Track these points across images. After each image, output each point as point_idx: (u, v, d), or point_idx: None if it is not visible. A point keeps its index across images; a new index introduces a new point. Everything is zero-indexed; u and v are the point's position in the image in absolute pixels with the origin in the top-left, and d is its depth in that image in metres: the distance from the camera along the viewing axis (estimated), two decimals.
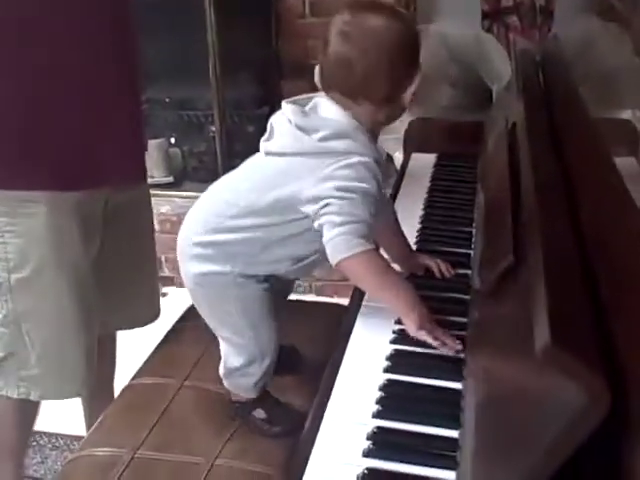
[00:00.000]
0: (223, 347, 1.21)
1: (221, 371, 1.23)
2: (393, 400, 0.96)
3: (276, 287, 1.17)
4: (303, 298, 2.57)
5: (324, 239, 1.03)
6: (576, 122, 1.13)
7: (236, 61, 2.69)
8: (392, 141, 2.42)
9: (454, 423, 0.91)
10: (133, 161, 1.54)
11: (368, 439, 0.90)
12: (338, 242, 1.02)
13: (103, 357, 1.64)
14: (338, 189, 1.01)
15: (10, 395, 1.50)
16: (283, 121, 1.08)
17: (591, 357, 0.57)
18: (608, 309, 0.65)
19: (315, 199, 1.03)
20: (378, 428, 0.91)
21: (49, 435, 2.06)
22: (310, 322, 1.47)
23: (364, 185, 1.02)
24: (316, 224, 1.04)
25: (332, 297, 2.68)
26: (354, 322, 1.13)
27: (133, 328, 1.69)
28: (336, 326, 1.17)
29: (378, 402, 0.95)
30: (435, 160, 1.74)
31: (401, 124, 1.97)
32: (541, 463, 0.60)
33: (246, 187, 1.10)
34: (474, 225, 1.37)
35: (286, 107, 1.08)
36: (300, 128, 1.05)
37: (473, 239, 1.32)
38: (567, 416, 0.57)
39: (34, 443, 2.05)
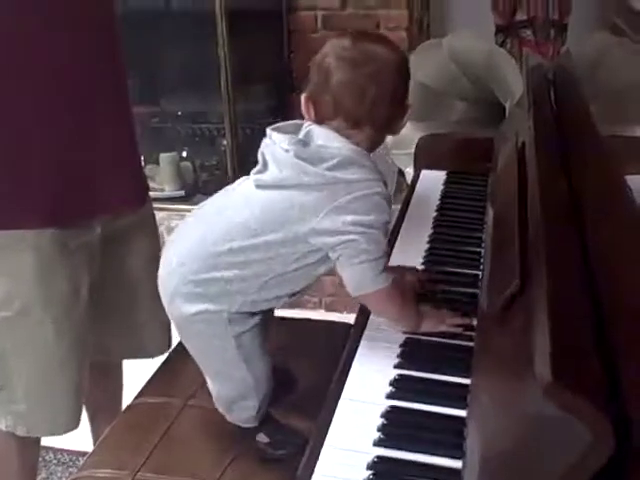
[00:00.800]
0: (214, 385, 1.19)
1: (219, 409, 1.21)
2: (395, 428, 0.93)
3: (268, 316, 1.16)
4: (313, 314, 2.57)
5: (345, 272, 1.04)
6: (586, 140, 1.11)
7: (248, 74, 2.69)
8: (403, 157, 2.40)
9: (459, 452, 0.88)
10: (126, 188, 1.46)
11: (368, 469, 0.87)
12: (362, 279, 1.04)
13: (109, 382, 1.63)
14: (358, 224, 1.00)
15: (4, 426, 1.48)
16: (277, 151, 1.03)
17: (595, 393, 0.55)
18: (616, 341, 0.63)
19: (330, 232, 1.01)
20: (379, 457, 0.88)
21: (55, 451, 2.05)
22: (314, 342, 1.45)
23: (383, 217, 1.02)
24: (333, 255, 1.03)
25: (342, 313, 2.66)
26: (357, 345, 1.10)
27: (139, 358, 1.64)
28: (341, 347, 1.15)
29: (380, 430, 0.93)
30: (445, 177, 1.71)
31: (414, 139, 1.96)
32: None
33: (243, 221, 1.04)
34: (483, 245, 1.34)
35: (277, 136, 1.04)
36: (302, 159, 1.01)
37: (482, 260, 1.29)
38: (570, 455, 0.54)
39: (40, 459, 2.04)
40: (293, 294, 1.11)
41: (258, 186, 1.05)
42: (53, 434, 1.53)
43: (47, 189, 1.33)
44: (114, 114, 1.41)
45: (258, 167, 1.06)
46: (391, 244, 1.40)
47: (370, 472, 0.87)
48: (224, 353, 1.12)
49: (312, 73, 1.06)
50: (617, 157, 0.99)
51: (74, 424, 1.48)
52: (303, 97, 1.07)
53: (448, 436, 0.91)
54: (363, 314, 1.18)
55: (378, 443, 0.91)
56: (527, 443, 0.63)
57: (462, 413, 0.94)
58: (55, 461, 2.04)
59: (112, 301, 1.54)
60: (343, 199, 1.00)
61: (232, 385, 1.16)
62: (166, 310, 1.14)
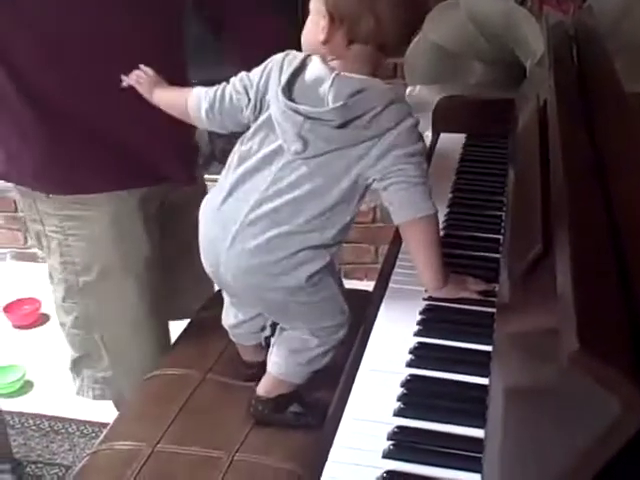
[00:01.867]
0: (301, 340, 1.16)
1: (290, 363, 1.18)
2: (416, 397, 0.91)
3: None
4: None
5: (395, 199, 1.05)
6: (611, 98, 1.07)
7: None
8: (423, 119, 2.36)
9: (480, 421, 0.86)
10: (184, 161, 1.49)
11: (389, 439, 0.85)
12: (413, 203, 1.05)
13: None
14: (408, 155, 1.04)
15: (86, 397, 1.52)
16: (320, 129, 1.03)
17: (624, 362, 0.52)
18: None
19: (382, 168, 1.04)
20: (399, 427, 0.87)
21: (77, 422, 2.07)
22: None
23: (422, 144, 1.07)
24: (381, 184, 1.06)
25: (362, 280, 2.64)
26: (377, 313, 1.08)
27: (185, 319, 1.64)
28: (360, 314, 1.13)
29: (400, 399, 0.91)
30: (464, 140, 1.67)
31: (432, 102, 1.92)
32: (573, 472, 0.56)
33: (299, 197, 1.05)
34: (504, 209, 1.31)
35: (313, 110, 1.03)
36: (345, 124, 1.02)
37: (503, 224, 1.26)
38: (597, 426, 0.52)
39: (62, 430, 2.06)
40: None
41: (303, 160, 1.05)
42: None
43: (116, 154, 1.36)
44: None
45: (296, 147, 1.04)
46: None
47: (390, 442, 0.85)
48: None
49: None
50: None
51: None
52: (324, 13, 1.05)
53: (469, 404, 0.90)
54: (383, 281, 1.16)
55: (398, 413, 0.89)
56: (553, 414, 0.60)
57: (483, 381, 0.92)
58: (78, 433, 2.06)
59: (164, 272, 1.55)
60: (388, 140, 1.03)
61: (330, 330, 1.15)
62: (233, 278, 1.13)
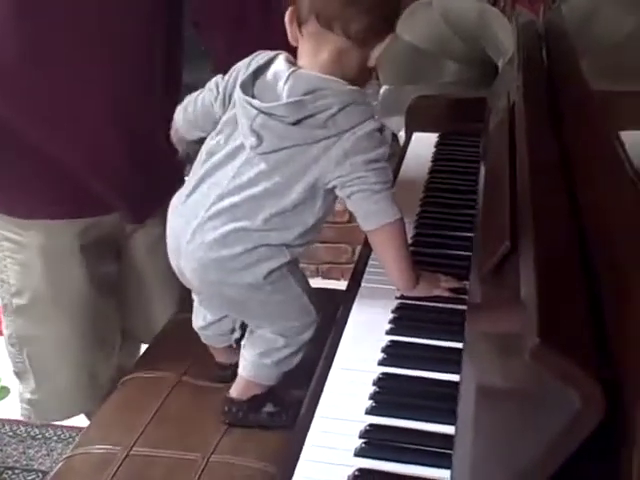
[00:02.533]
0: (268, 340, 1.16)
1: (259, 365, 1.18)
2: (388, 395, 0.92)
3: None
4: (309, 281, 2.55)
5: (359, 207, 1.05)
6: (577, 96, 1.08)
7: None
8: (396, 120, 2.37)
9: (452, 418, 0.87)
10: (134, 198, 1.39)
11: (360, 437, 0.86)
12: (377, 210, 1.05)
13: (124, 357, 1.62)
14: (367, 162, 1.02)
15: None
16: (272, 124, 1.02)
17: (584, 356, 0.53)
18: (606, 303, 0.61)
19: (342, 175, 1.03)
20: (371, 425, 0.87)
21: (54, 427, 2.05)
22: None
23: (385, 149, 1.05)
24: (344, 193, 1.05)
25: (339, 280, 2.65)
26: (349, 312, 1.09)
27: (142, 342, 1.64)
28: (334, 313, 1.14)
29: (372, 397, 0.91)
30: (437, 139, 1.68)
31: (406, 102, 1.92)
32: (538, 465, 0.56)
33: (258, 194, 1.05)
34: (476, 208, 1.32)
35: (262, 105, 1.02)
36: (300, 121, 1.01)
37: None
38: (559, 419, 0.53)
39: (39, 436, 2.04)
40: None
41: (261, 156, 1.04)
42: (66, 418, 1.56)
43: (58, 183, 1.31)
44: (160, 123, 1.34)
45: (253, 142, 1.03)
46: None
47: (362, 440, 0.86)
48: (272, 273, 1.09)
49: None
50: (608, 112, 0.96)
51: (88, 407, 1.50)
52: (290, 7, 1.05)
53: (441, 402, 0.90)
54: (355, 280, 1.17)
55: (370, 411, 0.90)
56: (519, 409, 0.61)
57: (455, 378, 0.93)
58: (55, 438, 2.04)
59: (133, 288, 1.53)
60: (346, 144, 1.01)
61: (298, 329, 1.15)
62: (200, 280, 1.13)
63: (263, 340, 1.17)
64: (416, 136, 1.71)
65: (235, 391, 1.20)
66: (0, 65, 1.21)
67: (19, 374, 1.49)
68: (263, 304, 1.13)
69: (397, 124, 2.35)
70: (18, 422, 2.12)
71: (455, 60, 2.29)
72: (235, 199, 1.05)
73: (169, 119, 1.24)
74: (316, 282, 2.62)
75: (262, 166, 1.04)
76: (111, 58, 1.25)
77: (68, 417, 1.53)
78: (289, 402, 1.20)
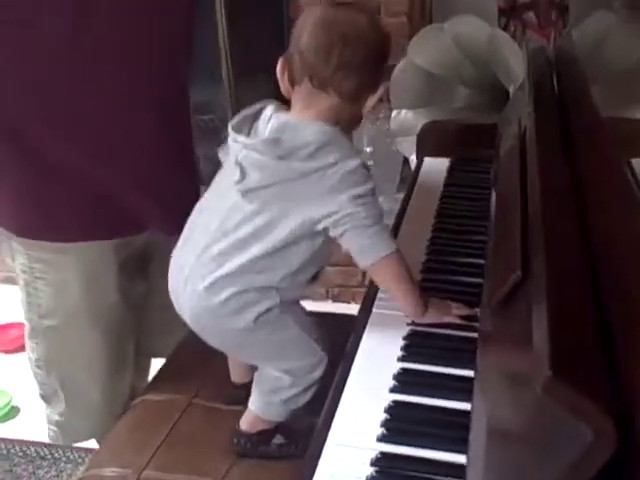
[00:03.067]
0: (274, 379, 1.16)
1: (266, 402, 1.20)
2: (399, 423, 0.92)
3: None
4: (320, 305, 2.56)
5: (353, 244, 1.05)
6: (587, 124, 1.08)
7: (249, 64, 2.66)
8: (407, 144, 2.38)
9: (463, 447, 0.87)
10: (167, 212, 1.40)
11: (372, 465, 0.86)
12: (371, 245, 1.04)
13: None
14: (354, 198, 1.02)
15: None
16: (253, 156, 1.04)
17: (596, 390, 0.53)
18: (618, 334, 0.61)
19: (330, 213, 1.03)
20: (382, 453, 0.87)
21: (64, 448, 2.05)
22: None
23: (370, 184, 1.04)
24: (336, 232, 1.04)
25: (349, 303, 2.65)
26: (360, 339, 1.09)
27: (158, 357, 1.65)
28: (345, 339, 1.14)
29: (383, 425, 0.91)
30: (448, 165, 1.69)
31: (417, 126, 1.93)
32: None
33: (246, 235, 1.06)
34: (487, 234, 1.32)
35: (246, 140, 1.06)
36: (280, 157, 1.03)
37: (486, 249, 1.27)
38: (571, 453, 0.53)
39: (49, 456, 2.04)
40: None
41: (245, 194, 1.06)
42: (88, 439, 1.56)
43: (90, 205, 1.32)
44: (171, 141, 1.39)
45: (237, 177, 1.06)
46: (394, 234, 1.39)
47: (374, 468, 0.86)
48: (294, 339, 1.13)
49: (291, 36, 1.07)
50: (619, 140, 0.97)
51: (109, 427, 1.47)
52: (279, 63, 1.08)
53: (453, 430, 0.90)
54: (366, 306, 1.17)
55: (382, 439, 0.90)
56: (528, 440, 0.61)
57: (467, 407, 0.93)
58: (64, 459, 2.04)
59: (155, 308, 1.53)
60: (330, 181, 1.02)
61: (306, 369, 1.15)
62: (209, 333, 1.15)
63: (269, 379, 1.18)
64: (427, 161, 1.72)
65: (245, 423, 1.21)
66: (53, 94, 1.23)
67: (46, 397, 1.49)
68: (260, 346, 1.14)
69: (408, 148, 2.36)
70: (28, 442, 2.12)
71: (466, 85, 2.30)
72: (222, 245, 1.07)
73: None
74: (326, 305, 2.62)
75: (247, 209, 1.06)
76: (159, 77, 1.31)
77: (93, 437, 1.53)
78: (298, 433, 1.20)
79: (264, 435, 1.20)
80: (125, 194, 1.34)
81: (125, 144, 1.30)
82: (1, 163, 1.30)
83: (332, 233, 1.05)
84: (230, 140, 1.08)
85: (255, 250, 1.06)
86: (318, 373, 1.16)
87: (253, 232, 1.05)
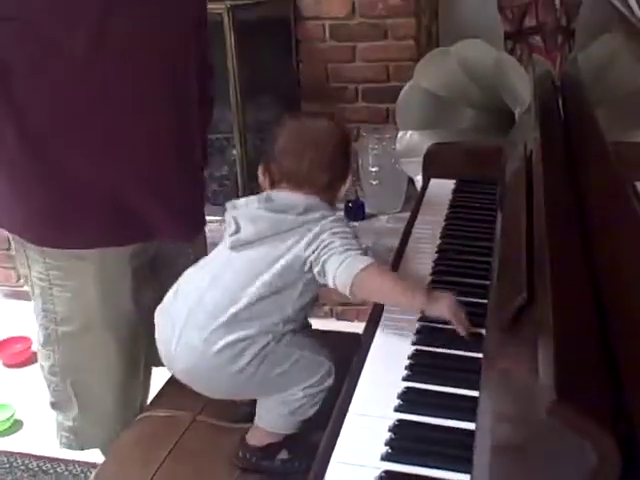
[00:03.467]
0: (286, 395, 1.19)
1: (275, 415, 1.21)
2: (404, 442, 0.92)
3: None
4: (324, 323, 2.56)
5: (331, 269, 1.12)
6: (593, 148, 1.10)
7: (257, 84, 2.69)
8: (413, 165, 2.40)
9: (467, 466, 0.87)
10: (183, 219, 1.46)
11: None
12: (350, 262, 1.11)
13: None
14: (333, 234, 1.14)
15: (58, 443, 1.53)
16: (250, 211, 1.18)
17: (601, 413, 0.54)
18: (623, 356, 0.62)
19: (314, 250, 1.14)
20: (386, 472, 0.88)
21: (66, 462, 2.05)
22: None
23: (349, 228, 1.19)
24: (317, 267, 1.14)
25: (353, 322, 2.65)
26: (365, 357, 1.10)
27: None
28: (350, 357, 1.14)
29: (388, 444, 0.92)
30: (454, 186, 1.70)
31: (423, 147, 1.95)
32: None
33: (235, 288, 1.15)
34: (493, 256, 1.33)
35: (243, 201, 1.21)
36: (274, 211, 1.17)
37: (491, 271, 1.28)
38: (576, 475, 0.54)
39: (51, 471, 2.04)
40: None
41: (234, 247, 1.18)
42: (100, 446, 1.56)
43: (112, 212, 1.35)
44: (181, 152, 1.43)
45: (232, 230, 1.18)
46: (399, 254, 1.40)
47: None
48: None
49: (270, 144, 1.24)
50: (624, 163, 0.98)
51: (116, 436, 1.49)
52: (260, 166, 1.24)
53: (457, 450, 0.90)
54: (371, 325, 1.18)
55: (386, 457, 0.90)
56: (533, 462, 0.62)
57: (471, 426, 0.93)
58: (67, 473, 2.04)
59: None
60: (315, 228, 1.15)
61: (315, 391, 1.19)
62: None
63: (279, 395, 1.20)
64: (433, 182, 1.73)
65: (252, 438, 1.22)
66: (72, 107, 1.27)
67: (59, 404, 1.50)
68: (263, 383, 1.18)
69: (413, 169, 2.38)
70: (30, 456, 2.12)
71: (472, 107, 2.32)
72: (216, 298, 1.15)
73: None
74: (330, 323, 2.63)
75: (237, 262, 1.17)
76: (174, 95, 1.36)
77: (106, 444, 1.52)
78: (303, 449, 1.21)
79: (270, 449, 1.21)
80: (140, 202, 1.37)
81: (142, 154, 1.34)
82: (22, 175, 1.32)
83: (315, 270, 1.14)
84: (227, 213, 1.21)
85: (246, 299, 1.14)
86: (330, 382, 1.19)
87: (243, 282, 1.15)
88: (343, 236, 1.14)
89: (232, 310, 1.13)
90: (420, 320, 1.16)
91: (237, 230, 1.17)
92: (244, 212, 1.19)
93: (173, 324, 1.18)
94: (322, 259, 1.12)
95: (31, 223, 1.36)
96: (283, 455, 1.21)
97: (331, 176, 1.21)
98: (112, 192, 1.33)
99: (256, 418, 1.22)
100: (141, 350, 1.51)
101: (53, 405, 1.52)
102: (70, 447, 1.52)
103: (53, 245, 1.36)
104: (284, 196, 1.19)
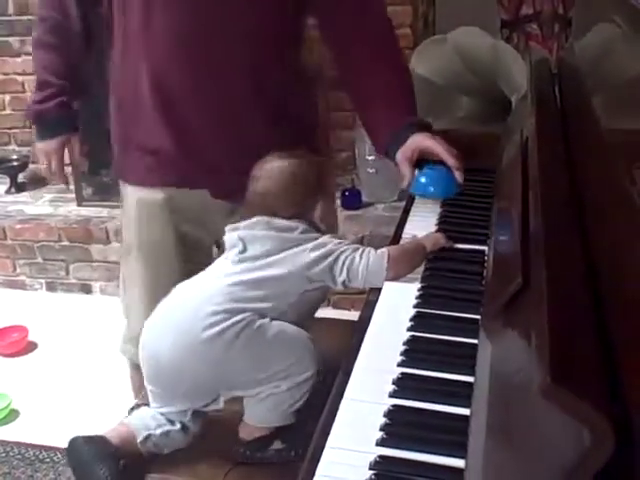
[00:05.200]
0: (270, 388, 1.21)
1: (261, 410, 1.23)
2: (398, 427, 0.93)
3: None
4: (320, 312, 2.56)
5: (358, 274, 1.25)
6: (589, 135, 1.09)
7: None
8: None
9: (462, 451, 0.87)
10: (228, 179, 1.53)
11: (370, 469, 0.86)
12: (372, 268, 1.24)
13: None
14: (333, 245, 1.26)
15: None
16: (258, 233, 1.28)
17: (594, 394, 0.54)
18: (617, 340, 0.62)
19: (319, 258, 1.24)
20: (381, 457, 0.88)
21: (62, 451, 2.04)
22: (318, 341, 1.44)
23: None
24: (339, 279, 1.26)
25: (350, 310, 2.65)
26: (361, 344, 1.09)
27: None
28: (345, 344, 1.14)
29: (383, 429, 0.92)
30: None
31: None
32: None
33: (237, 292, 1.23)
34: (489, 242, 1.33)
35: (245, 224, 1.30)
36: (282, 230, 1.28)
37: (487, 257, 1.28)
38: (570, 456, 0.54)
39: (47, 459, 2.05)
40: None
41: (239, 262, 1.26)
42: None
43: (143, 158, 1.55)
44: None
45: (238, 250, 1.27)
46: (396, 241, 1.40)
47: (372, 472, 0.86)
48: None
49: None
50: (620, 150, 0.98)
51: None
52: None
53: (451, 435, 0.91)
54: (367, 312, 1.18)
55: (381, 443, 0.90)
56: (528, 444, 0.62)
57: (466, 411, 0.93)
58: (63, 461, 2.04)
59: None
60: (311, 243, 1.26)
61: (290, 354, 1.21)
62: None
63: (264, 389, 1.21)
64: None
65: (243, 432, 1.23)
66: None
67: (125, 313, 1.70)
68: (245, 361, 1.20)
69: None
70: (26, 445, 2.13)
71: (469, 95, 2.32)
72: (209, 288, 1.25)
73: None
74: (327, 312, 2.63)
75: (239, 269, 1.26)
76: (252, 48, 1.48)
77: None
78: (297, 438, 1.21)
79: (263, 441, 1.21)
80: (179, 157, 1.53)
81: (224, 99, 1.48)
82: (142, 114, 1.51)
83: (338, 279, 1.26)
84: (228, 235, 1.31)
85: (244, 294, 1.22)
86: (312, 371, 1.20)
87: (242, 286, 1.23)
88: (342, 245, 1.26)
89: (227, 296, 1.20)
90: (415, 307, 1.17)
91: (244, 250, 1.26)
92: (254, 234, 1.27)
93: (166, 327, 1.24)
94: (338, 269, 1.24)
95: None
96: (277, 445, 1.22)
97: (298, 210, 1.32)
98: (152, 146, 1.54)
99: (245, 415, 1.23)
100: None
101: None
102: (133, 359, 1.59)
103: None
104: (282, 221, 1.29)
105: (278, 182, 1.32)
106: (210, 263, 1.38)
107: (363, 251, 1.25)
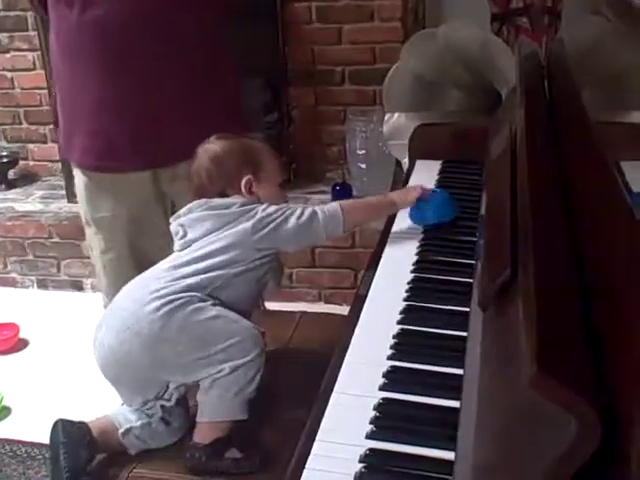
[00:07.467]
0: (214, 375, 1.22)
1: (211, 402, 1.23)
2: (388, 420, 0.93)
3: None
4: (312, 306, 2.57)
5: (310, 221, 1.31)
6: (577, 127, 1.10)
7: (243, 68, 2.66)
8: (399, 147, 2.39)
9: (452, 444, 0.87)
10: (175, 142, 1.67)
11: (360, 462, 0.86)
12: (327, 208, 1.34)
13: None
14: (281, 207, 1.33)
15: None
16: (195, 216, 1.33)
17: (581, 383, 0.54)
18: (603, 329, 0.62)
19: (262, 219, 1.30)
20: (371, 450, 0.88)
21: None
22: (310, 334, 1.44)
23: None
24: (291, 223, 1.30)
25: (341, 305, 2.65)
26: (351, 337, 1.09)
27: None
28: (336, 338, 1.14)
29: (372, 422, 0.92)
30: (440, 167, 1.70)
31: (410, 130, 1.95)
32: None
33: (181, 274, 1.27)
34: (478, 235, 1.33)
35: (185, 210, 1.35)
36: (219, 208, 1.32)
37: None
38: (557, 446, 0.54)
39: (39, 457, 2.04)
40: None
41: (187, 244, 1.32)
42: None
43: (85, 144, 1.73)
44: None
45: (179, 235, 1.34)
46: (385, 236, 1.40)
47: (362, 465, 0.86)
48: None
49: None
50: (607, 143, 0.98)
51: None
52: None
53: (441, 428, 0.91)
54: (357, 305, 1.18)
55: (371, 436, 0.90)
56: (516, 434, 0.62)
57: (455, 404, 0.93)
58: None
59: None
60: (254, 211, 1.31)
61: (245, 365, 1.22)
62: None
63: (208, 378, 1.22)
64: (419, 163, 1.73)
65: (197, 435, 1.23)
66: None
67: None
68: (186, 335, 1.22)
69: (400, 151, 2.37)
70: (18, 442, 2.12)
71: (458, 88, 2.31)
72: (157, 272, 1.32)
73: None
74: (319, 307, 2.63)
75: (183, 255, 1.32)
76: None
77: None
78: (255, 449, 1.22)
79: (218, 445, 1.21)
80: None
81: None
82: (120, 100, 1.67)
83: (289, 225, 1.29)
84: (172, 225, 1.37)
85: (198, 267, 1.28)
86: (253, 354, 1.21)
87: (188, 262, 1.28)
88: (282, 211, 1.32)
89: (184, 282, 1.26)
90: (405, 300, 1.17)
91: (184, 235, 1.33)
92: (190, 217, 1.33)
93: (118, 318, 1.28)
94: (293, 218, 1.29)
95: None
96: (234, 454, 1.21)
97: (224, 183, 1.37)
98: (83, 123, 1.75)
99: (198, 414, 1.23)
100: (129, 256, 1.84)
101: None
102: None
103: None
104: (219, 199, 1.34)
105: (202, 161, 1.38)
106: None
107: (313, 207, 1.32)
